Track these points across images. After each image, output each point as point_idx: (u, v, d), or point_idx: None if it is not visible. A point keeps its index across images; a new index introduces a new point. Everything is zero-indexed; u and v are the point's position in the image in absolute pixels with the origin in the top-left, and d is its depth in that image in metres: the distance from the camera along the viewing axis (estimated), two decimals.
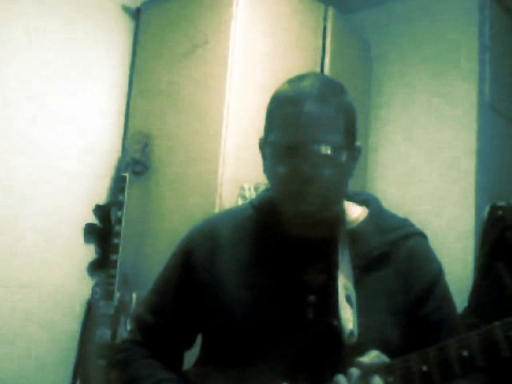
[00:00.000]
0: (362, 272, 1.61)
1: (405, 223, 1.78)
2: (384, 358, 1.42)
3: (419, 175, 4.03)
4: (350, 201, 1.80)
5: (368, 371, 1.38)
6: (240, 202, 3.25)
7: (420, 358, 1.36)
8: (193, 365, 1.80)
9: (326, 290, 1.57)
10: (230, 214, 1.87)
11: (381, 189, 4.15)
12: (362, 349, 1.44)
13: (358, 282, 1.58)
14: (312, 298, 1.59)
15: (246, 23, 3.46)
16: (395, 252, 1.66)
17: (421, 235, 1.77)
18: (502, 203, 3.50)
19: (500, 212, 3.43)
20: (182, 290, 1.77)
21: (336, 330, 1.50)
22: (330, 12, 3.93)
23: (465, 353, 1.30)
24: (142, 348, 1.79)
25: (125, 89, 3.93)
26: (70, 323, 3.53)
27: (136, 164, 3.58)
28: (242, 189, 3.31)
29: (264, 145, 1.71)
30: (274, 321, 1.57)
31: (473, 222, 3.71)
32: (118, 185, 3.59)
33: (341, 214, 1.70)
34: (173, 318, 1.78)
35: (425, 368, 1.34)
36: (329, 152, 1.54)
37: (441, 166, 3.95)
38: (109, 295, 3.41)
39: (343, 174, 1.63)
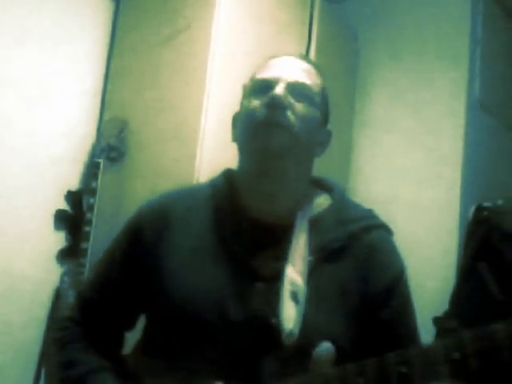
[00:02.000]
0: (318, 265, 1.55)
1: (368, 214, 1.74)
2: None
3: (403, 171, 4.00)
4: (314, 186, 1.77)
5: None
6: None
7: (357, 369, 1.26)
8: (132, 349, 1.73)
9: (275, 279, 1.51)
10: (186, 192, 1.82)
11: (364, 184, 4.12)
12: (304, 349, 1.36)
13: (312, 276, 1.52)
14: (260, 285, 1.53)
15: (229, 8, 3.41)
16: (355, 245, 1.61)
17: (384, 228, 1.72)
18: (487, 204, 3.46)
19: (485, 213, 3.40)
20: (126, 268, 1.70)
21: (275, 328, 1.44)
22: (318, 0, 3.91)
23: (403, 369, 1.20)
24: (80, 328, 1.73)
25: (102, 72, 3.85)
26: (37, 311, 3.47)
27: (111, 150, 3.51)
28: None
29: (244, 93, 1.73)
30: (216, 309, 1.51)
31: (457, 222, 3.69)
32: (91, 171, 3.53)
33: (302, 199, 1.67)
34: (114, 295, 1.71)
35: (360, 381, 1.23)
36: (305, 91, 1.62)
37: (426, 162, 3.92)
38: (78, 284, 3.34)
39: (312, 130, 1.63)
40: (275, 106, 1.56)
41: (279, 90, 1.57)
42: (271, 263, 1.55)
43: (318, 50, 3.88)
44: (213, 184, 1.76)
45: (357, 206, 1.76)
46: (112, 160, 3.53)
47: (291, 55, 1.74)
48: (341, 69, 4.18)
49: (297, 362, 1.39)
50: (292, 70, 1.65)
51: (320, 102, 1.67)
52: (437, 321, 3.20)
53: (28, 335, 3.44)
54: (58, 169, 3.59)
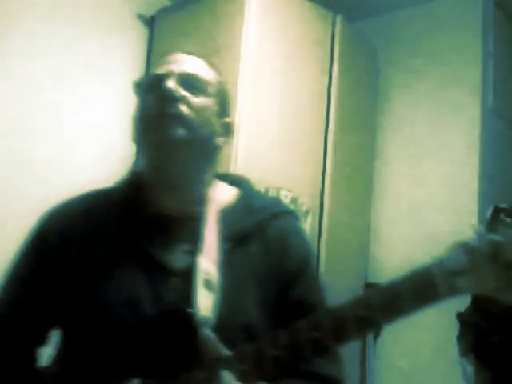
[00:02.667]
0: (229, 253, 1.55)
1: (275, 203, 1.78)
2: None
3: (424, 180, 4.10)
4: (222, 181, 1.76)
5: (215, 366, 1.34)
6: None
7: (271, 341, 1.33)
8: (52, 360, 1.64)
9: (189, 272, 1.49)
10: (92, 195, 1.75)
11: (387, 192, 4.25)
12: (223, 334, 1.40)
13: (225, 264, 1.53)
14: (175, 279, 1.52)
15: (256, 32, 3.54)
16: (265, 231, 1.63)
17: (292, 215, 1.76)
18: (504, 205, 3.57)
19: (502, 214, 3.51)
20: (32, 279, 1.62)
21: (191, 318, 1.42)
22: (338, 20, 3.99)
23: (316, 334, 1.28)
24: None
25: None
26: None
27: None
28: None
29: (136, 94, 1.69)
30: (133, 309, 1.48)
31: (475, 225, 3.70)
32: None
33: (208, 191, 1.65)
34: (23, 310, 1.63)
35: (275, 352, 1.31)
36: (197, 83, 1.60)
37: (444, 171, 4.01)
38: None
39: (209, 120, 1.62)
40: (167, 99, 1.55)
41: (170, 83, 1.55)
42: (184, 257, 1.55)
43: (341, 68, 3.96)
44: (118, 185, 1.73)
45: (264, 197, 1.82)
46: None
47: (185, 53, 1.72)
48: (363, 85, 4.28)
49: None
50: (184, 63, 1.63)
51: (216, 94, 1.65)
52: (460, 316, 3.36)
53: None
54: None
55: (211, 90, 1.63)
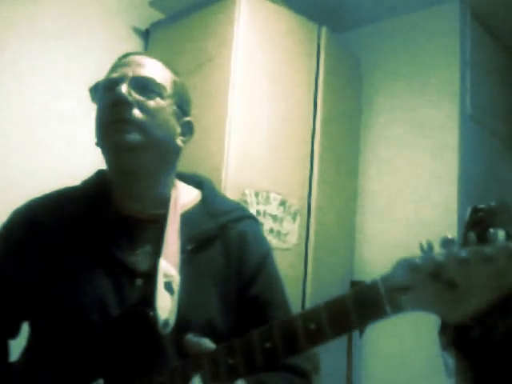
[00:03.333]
0: (191, 255, 1.58)
1: (236, 207, 1.78)
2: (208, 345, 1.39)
3: (404, 183, 4.21)
4: (184, 182, 1.78)
5: (176, 371, 1.37)
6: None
7: (226, 350, 1.35)
8: (20, 354, 1.65)
9: (153, 274, 1.51)
10: (58, 195, 1.73)
11: (370, 202, 4.38)
12: (187, 332, 1.41)
13: (186, 265, 1.55)
14: (138, 281, 1.54)
15: (246, 42, 3.63)
16: (226, 235, 1.65)
17: (252, 219, 1.78)
18: (482, 206, 3.65)
19: (481, 214, 3.59)
20: (1, 277, 1.63)
21: (152, 320, 1.44)
22: (324, 31, 4.08)
23: (268, 344, 1.30)
24: None
25: None
26: None
27: None
28: (244, 194, 3.45)
29: (92, 99, 1.69)
30: (97, 308, 1.49)
31: (455, 224, 3.85)
32: None
33: (169, 194, 1.67)
34: None
35: (231, 361, 1.33)
36: (150, 85, 1.59)
37: (425, 175, 4.11)
38: None
39: (166, 122, 1.62)
40: (120, 104, 1.54)
41: (122, 87, 1.54)
42: (148, 259, 1.56)
43: (326, 76, 4.04)
44: (85, 185, 1.72)
45: (226, 201, 1.79)
46: None
47: (142, 53, 1.72)
48: (347, 93, 4.38)
49: (176, 349, 1.46)
50: (136, 66, 1.61)
51: (172, 95, 1.64)
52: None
53: None
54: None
55: (167, 91, 1.62)
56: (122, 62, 1.65)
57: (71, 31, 3.75)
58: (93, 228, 1.58)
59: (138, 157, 1.55)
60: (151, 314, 1.44)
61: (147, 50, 4.17)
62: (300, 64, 3.96)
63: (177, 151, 1.68)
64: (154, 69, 1.64)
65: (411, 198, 4.14)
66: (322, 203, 3.94)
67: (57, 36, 3.66)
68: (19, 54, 3.48)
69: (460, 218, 3.83)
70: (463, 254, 1.19)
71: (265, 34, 3.76)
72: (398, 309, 1.22)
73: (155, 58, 1.69)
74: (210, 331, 1.47)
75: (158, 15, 4.28)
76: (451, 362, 3.45)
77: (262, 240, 1.76)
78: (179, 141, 1.67)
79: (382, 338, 3.99)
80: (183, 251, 1.56)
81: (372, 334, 3.91)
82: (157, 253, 1.54)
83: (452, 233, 3.78)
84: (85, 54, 3.80)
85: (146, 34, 4.22)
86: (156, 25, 4.22)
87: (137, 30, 4.19)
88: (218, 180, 3.39)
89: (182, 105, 1.69)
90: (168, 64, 1.71)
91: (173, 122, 1.64)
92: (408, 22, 4.43)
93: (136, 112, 1.54)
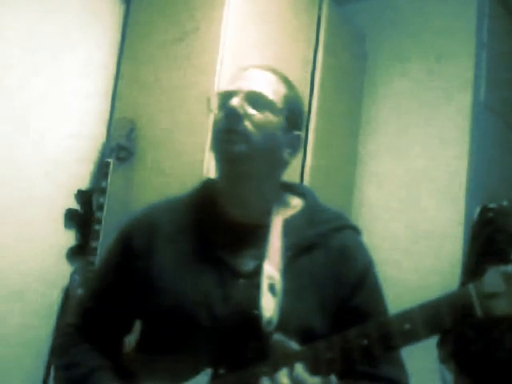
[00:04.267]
0: (292, 260, 1.70)
1: (338, 216, 1.87)
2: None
3: (409, 172, 4.05)
4: (287, 191, 1.91)
5: (279, 362, 1.49)
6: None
7: (325, 345, 1.47)
8: (132, 349, 1.85)
9: (255, 275, 1.66)
10: (171, 201, 1.94)
11: (370, 185, 4.20)
12: (285, 335, 1.55)
13: (287, 270, 1.67)
14: (241, 281, 1.68)
15: (238, 10, 3.42)
16: (327, 243, 1.76)
17: (353, 229, 1.87)
18: (492, 205, 3.50)
19: (490, 214, 3.43)
20: (119, 275, 1.84)
21: (256, 319, 1.58)
22: (325, 2, 3.95)
23: (364, 342, 1.43)
24: (81, 333, 1.87)
25: (112, 73, 3.88)
26: (46, 311, 3.51)
27: (120, 150, 3.55)
28: None
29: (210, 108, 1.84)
30: (203, 306, 1.66)
31: (462, 224, 3.71)
32: (101, 170, 3.57)
33: (274, 201, 1.81)
34: (109, 302, 1.85)
35: (329, 355, 1.45)
36: (261, 100, 1.73)
37: (432, 164, 3.96)
38: (88, 282, 3.32)
39: (273, 136, 1.75)
40: (231, 116, 1.69)
41: (235, 101, 1.70)
42: (251, 261, 1.71)
43: (325, 52, 3.92)
44: (194, 192, 1.91)
45: (328, 209, 1.88)
46: (121, 160, 3.57)
47: (259, 67, 1.85)
48: (349, 69, 4.26)
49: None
50: (252, 81, 1.77)
51: (283, 109, 1.77)
52: None
53: (38, 333, 3.47)
54: (68, 169, 3.62)
55: (277, 106, 1.75)
56: (240, 75, 1.82)
57: None
58: (201, 232, 1.78)
59: (242, 166, 1.72)
60: (256, 312, 1.59)
61: (128, 17, 3.97)
62: (297, 37, 3.82)
63: (282, 163, 1.83)
64: (267, 84, 1.78)
65: (415, 195, 4.00)
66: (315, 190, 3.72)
67: None
68: None
69: (467, 213, 3.73)
70: None
71: (259, 2, 3.57)
72: (488, 313, 1.33)
73: (273, 72, 1.83)
74: (307, 333, 1.60)
75: None
76: (449, 376, 3.30)
77: (363, 251, 1.84)
78: (285, 154, 1.80)
79: None
80: (284, 256, 1.69)
81: None
82: (259, 256, 1.70)
83: (458, 232, 3.49)
84: (58, 15, 3.62)
85: None
86: None
87: None
88: (200, 163, 3.28)
89: (292, 119, 1.82)
90: (283, 78, 1.84)
91: (280, 135, 1.77)
92: None
93: (245, 124, 1.69)
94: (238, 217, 1.77)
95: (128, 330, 1.89)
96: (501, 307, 1.32)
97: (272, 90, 1.77)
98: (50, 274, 3.52)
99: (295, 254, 1.71)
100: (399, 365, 1.73)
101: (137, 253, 1.80)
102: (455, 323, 1.35)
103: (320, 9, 3.93)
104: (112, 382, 1.71)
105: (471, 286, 1.35)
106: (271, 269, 1.65)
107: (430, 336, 1.38)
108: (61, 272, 3.54)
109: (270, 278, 1.64)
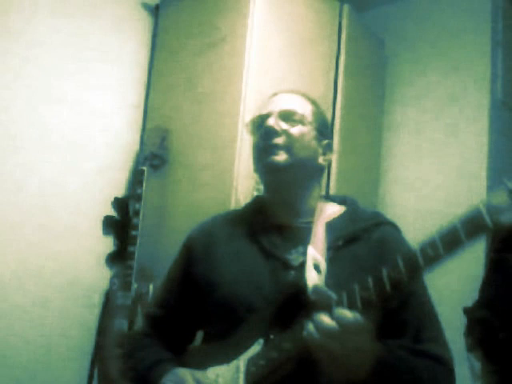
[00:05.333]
0: (336, 252, 1.83)
1: (377, 214, 2.02)
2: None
3: (430, 172, 4.06)
4: (330, 201, 2.07)
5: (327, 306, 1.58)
6: (255, 194, 3.26)
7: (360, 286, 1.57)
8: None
9: (304, 268, 1.78)
10: (226, 213, 2.17)
11: (393, 186, 4.23)
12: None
13: (332, 260, 1.80)
14: (293, 272, 1.84)
15: (262, 20, 3.49)
16: (368, 236, 1.89)
17: (392, 225, 2.00)
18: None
19: None
20: (183, 283, 2.02)
21: (302, 289, 1.70)
22: (346, 9, 3.96)
23: (393, 275, 1.52)
24: (150, 339, 2.04)
25: (144, 84, 3.99)
26: (88, 313, 3.61)
27: (154, 158, 3.63)
28: (258, 183, 3.27)
29: (249, 132, 2.07)
30: (260, 294, 1.81)
31: None
32: (136, 178, 3.64)
33: (316, 205, 1.98)
34: (176, 309, 2.03)
35: (364, 294, 1.54)
36: (293, 116, 1.95)
37: (452, 162, 3.96)
38: (126, 286, 3.46)
39: (308, 144, 1.96)
40: (269, 133, 1.91)
41: (271, 120, 1.93)
42: (299, 257, 1.86)
43: (347, 58, 3.94)
44: (246, 206, 2.15)
45: (367, 210, 2.04)
46: (155, 167, 3.64)
47: (286, 91, 2.07)
48: (369, 76, 4.26)
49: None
50: (282, 102, 2.00)
51: (313, 121, 1.99)
52: (467, 311, 3.31)
53: (81, 336, 3.57)
54: (105, 177, 3.73)
55: (307, 119, 1.97)
56: (270, 100, 2.05)
57: (77, 8, 3.68)
58: (254, 235, 1.96)
59: (287, 174, 1.92)
60: (302, 281, 1.72)
61: (157, 29, 4.08)
62: (320, 44, 3.85)
63: (320, 168, 2.03)
64: (295, 102, 2.01)
65: (437, 192, 3.99)
66: (342, 190, 3.77)
67: (63, 12, 3.60)
68: (23, 32, 3.43)
69: None
70: None
71: (282, 11, 3.63)
72: (497, 224, 1.41)
73: (297, 93, 2.06)
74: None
75: None
76: (477, 364, 3.32)
77: (403, 242, 1.94)
78: (321, 160, 2.01)
79: None
80: (330, 248, 1.83)
81: None
82: (305, 253, 1.83)
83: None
84: (91, 31, 3.75)
85: (155, 11, 4.10)
86: (166, 0, 4.08)
87: (146, 6, 4.08)
88: (230, 168, 3.33)
89: (322, 129, 2.02)
90: (307, 97, 2.06)
91: (314, 144, 1.98)
92: (435, 1, 4.27)
93: (283, 138, 1.92)
94: (285, 221, 1.95)
95: (191, 338, 2.06)
96: (507, 218, 1.39)
97: (300, 106, 1.99)
98: (91, 279, 3.62)
99: (338, 245, 1.84)
100: (443, 343, 1.79)
101: (197, 260, 1.99)
102: (470, 237, 1.43)
103: (341, 16, 3.95)
104: (176, 368, 1.83)
105: (480, 203, 1.44)
106: (315, 252, 1.80)
107: (451, 255, 1.46)
108: (101, 276, 3.64)
109: (315, 259, 1.78)
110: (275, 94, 2.08)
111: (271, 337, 1.71)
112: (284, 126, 1.94)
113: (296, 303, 1.71)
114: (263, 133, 1.94)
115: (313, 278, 1.74)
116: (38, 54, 3.45)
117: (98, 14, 3.76)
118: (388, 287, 1.51)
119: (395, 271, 1.51)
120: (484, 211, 1.42)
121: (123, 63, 3.91)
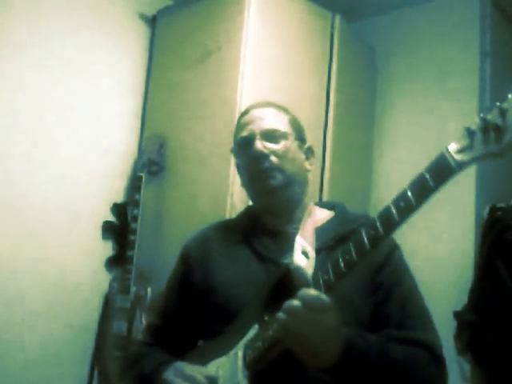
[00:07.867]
0: (327, 252, 1.84)
1: (365, 216, 2.06)
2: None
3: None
4: (320, 207, 2.11)
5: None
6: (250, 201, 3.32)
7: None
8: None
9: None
10: (220, 222, 2.24)
11: (386, 191, 4.21)
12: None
13: (322, 261, 1.77)
14: None
15: (256, 30, 3.56)
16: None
17: None
18: (501, 204, 3.54)
19: (499, 213, 3.47)
20: (182, 292, 2.06)
21: (292, 268, 1.73)
22: (337, 20, 3.99)
23: (372, 232, 1.56)
24: (152, 347, 2.07)
25: (141, 92, 4.06)
26: (88, 316, 3.66)
27: (151, 164, 3.71)
28: None
29: (234, 154, 2.11)
30: (252, 288, 1.84)
31: (472, 222, 3.73)
32: (134, 184, 3.71)
33: (305, 212, 2.01)
34: (177, 318, 2.06)
35: (347, 257, 1.57)
36: (276, 134, 1.97)
37: None
38: (125, 289, 3.53)
39: (294, 156, 2.00)
40: (258, 158, 1.94)
41: (257, 144, 1.94)
42: (291, 258, 1.84)
43: (339, 67, 3.97)
44: (239, 214, 2.20)
45: (355, 213, 2.09)
46: (153, 174, 3.73)
47: (256, 106, 2.07)
48: (361, 84, 4.29)
49: None
50: (260, 120, 1.99)
51: (292, 131, 2.03)
52: (457, 314, 3.34)
53: (81, 338, 3.63)
54: (104, 184, 3.80)
55: (288, 132, 2.01)
56: (245, 119, 2.04)
57: (75, 19, 3.75)
58: (249, 241, 2.00)
59: (283, 193, 1.96)
60: (291, 264, 1.74)
61: (154, 39, 4.15)
62: (312, 54, 3.90)
63: (307, 173, 2.08)
64: (273, 118, 2.02)
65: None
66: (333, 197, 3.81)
67: (60, 23, 3.67)
68: (24, 43, 3.50)
69: (477, 217, 3.73)
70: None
71: (276, 22, 3.70)
72: (460, 163, 1.47)
73: (269, 106, 2.06)
74: (351, 310, 1.78)
75: (165, 1, 4.21)
76: (467, 367, 3.36)
77: (392, 240, 1.96)
78: (307, 165, 2.08)
79: None
80: (320, 250, 1.86)
81: None
82: None
83: (470, 232, 3.53)
84: (89, 41, 3.81)
85: (152, 21, 4.17)
86: (163, 11, 4.16)
87: (143, 17, 4.15)
88: (226, 174, 3.38)
89: (300, 136, 2.08)
90: (279, 106, 2.08)
91: (298, 153, 2.04)
92: (425, 11, 4.29)
93: (272, 159, 1.95)
94: (277, 227, 2.00)
95: (193, 346, 2.03)
96: (467, 155, 1.46)
97: (279, 121, 2.02)
98: (91, 282, 3.68)
99: (328, 246, 1.86)
100: (432, 331, 1.81)
101: (194, 268, 2.03)
102: (438, 182, 1.50)
103: (332, 27, 3.97)
104: (176, 362, 1.87)
105: (444, 149, 1.53)
106: (303, 241, 1.85)
107: (423, 203, 1.53)
108: (100, 280, 3.71)
109: (302, 246, 1.83)
110: (247, 112, 2.08)
111: (266, 318, 1.72)
112: (269, 145, 1.96)
113: (287, 286, 1.71)
114: (252, 158, 1.96)
115: (300, 261, 1.77)
116: (36, 63, 3.52)
117: (95, 24, 3.83)
118: (368, 246, 1.53)
119: (373, 229, 1.55)
120: (447, 154, 1.51)
121: (121, 72, 3.97)
